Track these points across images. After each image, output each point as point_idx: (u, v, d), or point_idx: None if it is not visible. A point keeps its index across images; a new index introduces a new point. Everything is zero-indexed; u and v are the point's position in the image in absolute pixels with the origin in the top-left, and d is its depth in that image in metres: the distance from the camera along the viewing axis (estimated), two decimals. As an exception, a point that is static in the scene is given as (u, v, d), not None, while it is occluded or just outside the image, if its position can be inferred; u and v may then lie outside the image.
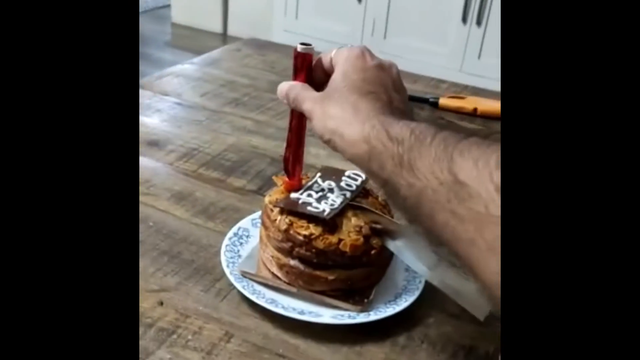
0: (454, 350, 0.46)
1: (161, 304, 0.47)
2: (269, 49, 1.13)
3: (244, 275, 0.49)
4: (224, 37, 2.84)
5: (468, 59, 2.24)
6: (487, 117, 0.91)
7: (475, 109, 0.92)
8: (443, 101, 0.93)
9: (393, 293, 0.49)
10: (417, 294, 0.49)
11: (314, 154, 0.75)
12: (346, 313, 0.47)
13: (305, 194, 0.49)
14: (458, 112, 0.92)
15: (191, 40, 2.75)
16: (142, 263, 0.51)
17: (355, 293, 0.48)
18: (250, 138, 0.77)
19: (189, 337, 0.44)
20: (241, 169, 0.69)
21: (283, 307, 0.46)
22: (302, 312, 0.46)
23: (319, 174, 0.53)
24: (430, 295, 0.49)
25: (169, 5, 2.92)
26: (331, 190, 0.50)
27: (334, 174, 0.53)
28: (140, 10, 2.98)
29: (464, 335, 0.47)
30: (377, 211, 0.49)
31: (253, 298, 0.46)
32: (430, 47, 2.30)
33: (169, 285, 0.49)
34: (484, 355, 0.46)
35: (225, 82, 0.94)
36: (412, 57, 2.34)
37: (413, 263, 0.47)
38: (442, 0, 2.21)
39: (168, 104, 0.85)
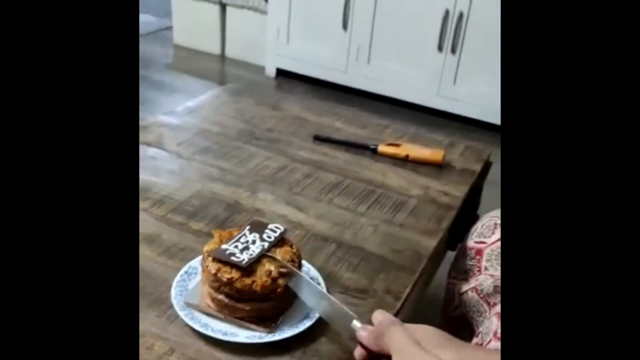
0: (333, 362, 0.63)
1: (126, 326, 0.65)
2: (243, 95, 1.31)
3: (188, 304, 0.67)
4: (222, 59, 3.03)
5: (444, 84, 2.41)
6: (416, 162, 1.08)
7: (407, 155, 1.09)
8: (381, 148, 1.10)
9: (296, 319, 0.67)
10: (312, 320, 0.66)
11: (261, 198, 0.93)
12: (258, 334, 0.64)
13: (233, 245, 0.67)
14: (393, 157, 1.09)
15: (191, 62, 2.94)
16: (115, 294, 0.70)
17: (266, 319, 0.66)
18: (213, 185, 0.95)
19: (143, 351, 0.62)
20: (201, 214, 0.87)
21: (212, 330, 0.64)
22: (225, 334, 0.64)
23: (247, 227, 0.71)
24: (323, 322, 0.67)
25: (171, 27, 3.11)
26: (254, 242, 0.68)
27: (260, 227, 0.71)
28: (144, 33, 3.17)
29: (345, 350, 0.65)
30: (283, 261, 0.66)
31: (190, 323, 0.64)
32: (410, 72, 2.47)
33: (133, 312, 0.67)
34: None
35: (200, 131, 1.12)
36: (394, 80, 2.52)
37: (305, 298, 0.65)
38: (420, 30, 2.38)
39: (149, 153, 1.03)
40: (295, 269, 0.66)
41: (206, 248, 0.68)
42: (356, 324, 0.58)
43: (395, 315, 0.70)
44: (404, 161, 1.09)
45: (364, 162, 1.08)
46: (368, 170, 1.05)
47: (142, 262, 0.75)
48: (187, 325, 0.65)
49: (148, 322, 0.66)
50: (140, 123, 1.13)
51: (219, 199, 0.91)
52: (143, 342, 0.63)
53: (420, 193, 0.99)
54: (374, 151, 1.11)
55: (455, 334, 0.53)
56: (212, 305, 0.66)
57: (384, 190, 0.99)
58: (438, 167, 1.08)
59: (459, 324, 0.92)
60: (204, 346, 0.64)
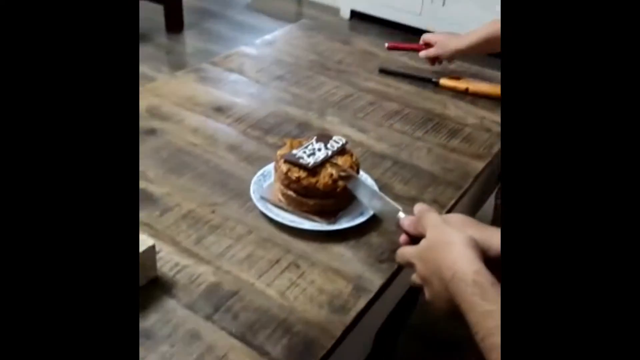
0: (381, 251, 0.75)
1: (213, 212, 0.80)
2: (316, 31, 1.41)
3: (263, 198, 0.81)
4: (299, 0, 3.11)
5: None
6: (475, 95, 1.16)
7: (467, 88, 1.16)
8: (443, 81, 1.18)
9: (352, 216, 0.79)
10: (366, 217, 0.78)
11: (329, 120, 1.04)
12: (319, 224, 0.77)
13: (302, 150, 0.80)
14: (453, 90, 1.17)
15: (269, 3, 3.05)
16: (203, 189, 0.84)
17: (327, 214, 0.78)
18: (286, 107, 1.07)
19: (227, 230, 0.77)
20: (275, 130, 1.00)
21: (282, 218, 0.77)
22: (293, 222, 0.77)
23: (315, 137, 0.83)
24: (375, 220, 0.79)
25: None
26: (319, 150, 0.80)
27: (325, 138, 0.83)
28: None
29: (391, 242, 0.76)
30: (343, 166, 0.78)
31: (266, 212, 0.78)
32: (484, 15, 2.45)
33: (218, 202, 0.82)
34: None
35: (275, 61, 1.24)
36: (468, 23, 2.51)
37: (361, 197, 0.77)
38: (497, -29, 2.35)
39: (232, 78, 1.16)
40: (353, 173, 0.78)
41: (279, 152, 0.81)
42: (401, 215, 0.70)
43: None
44: (464, 94, 1.16)
45: (425, 94, 1.16)
46: (428, 101, 1.14)
47: (226, 165, 0.90)
48: (262, 214, 0.79)
49: (232, 210, 0.81)
50: (223, 53, 1.26)
51: (291, 119, 1.04)
52: (227, 225, 0.78)
53: (475, 122, 1.08)
54: (436, 84, 1.19)
55: None
56: (282, 199, 0.80)
57: (442, 119, 1.08)
58: (496, 101, 1.15)
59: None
60: (275, 231, 0.77)
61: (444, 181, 0.91)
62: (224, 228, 0.77)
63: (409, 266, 0.64)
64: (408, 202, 0.85)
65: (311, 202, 0.78)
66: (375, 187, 0.83)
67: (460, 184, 0.91)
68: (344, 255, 0.74)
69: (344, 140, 0.83)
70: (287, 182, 0.78)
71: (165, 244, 0.74)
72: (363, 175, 0.85)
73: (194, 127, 0.99)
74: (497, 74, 1.28)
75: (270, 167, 0.87)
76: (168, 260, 0.71)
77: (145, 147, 0.93)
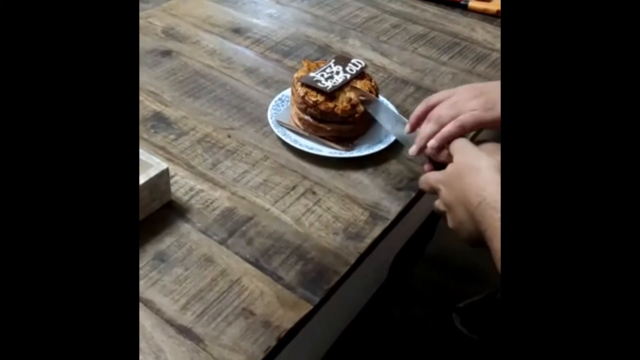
0: (400, 178, 0.74)
1: (229, 136, 0.79)
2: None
3: (279, 122, 0.79)
4: None
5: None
6: (505, 18, 1.09)
7: (498, 11, 1.10)
8: (472, 3, 1.12)
9: (371, 143, 0.77)
10: (385, 145, 0.76)
11: (350, 43, 1.00)
12: (337, 151, 0.75)
13: (319, 73, 0.77)
14: (483, 13, 1.11)
15: None
16: (219, 112, 0.82)
17: (345, 140, 0.76)
18: (306, 29, 1.03)
19: (243, 155, 0.76)
20: (295, 53, 0.96)
21: (300, 144, 0.76)
22: (311, 148, 0.75)
23: (332, 60, 0.80)
24: (393, 147, 0.76)
25: None
26: (337, 73, 0.77)
27: (343, 60, 0.80)
28: None
29: (410, 171, 0.75)
30: (364, 90, 0.75)
31: (283, 137, 0.76)
32: None
33: (234, 126, 0.80)
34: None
35: (297, -20, 1.18)
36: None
37: (382, 121, 0.74)
38: None
39: (251, -2, 1.12)
40: (373, 96, 0.75)
41: (296, 75, 0.78)
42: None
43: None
44: (494, 17, 1.10)
45: (452, 17, 1.10)
46: (455, 24, 1.08)
47: (243, 89, 0.87)
48: (279, 139, 0.77)
49: (248, 135, 0.79)
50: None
51: (311, 42, 1.00)
52: (243, 150, 0.76)
53: (504, 48, 1.02)
54: (465, 7, 1.12)
55: None
56: (299, 124, 0.77)
57: (469, 44, 1.03)
58: (527, 25, 1.08)
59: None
60: (292, 157, 0.76)
61: (468, 109, 0.87)
62: (239, 153, 0.76)
63: (432, 192, 0.62)
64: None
65: (329, 127, 0.75)
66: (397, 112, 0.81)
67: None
68: (361, 183, 0.73)
69: (363, 63, 0.80)
70: (304, 106, 0.75)
71: (180, 168, 0.73)
72: (383, 101, 0.82)
73: (211, 48, 0.96)
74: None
75: (289, 91, 0.84)
76: (183, 184, 0.71)
77: (161, 69, 0.91)
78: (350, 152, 0.75)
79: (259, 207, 0.69)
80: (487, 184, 0.53)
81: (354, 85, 0.76)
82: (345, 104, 0.74)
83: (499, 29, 1.07)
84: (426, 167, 0.66)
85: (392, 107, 0.82)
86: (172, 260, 0.61)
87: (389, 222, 0.68)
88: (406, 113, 0.85)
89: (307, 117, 0.76)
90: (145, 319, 0.56)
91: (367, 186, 0.73)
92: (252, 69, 0.92)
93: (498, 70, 0.96)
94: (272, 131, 0.78)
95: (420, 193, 0.70)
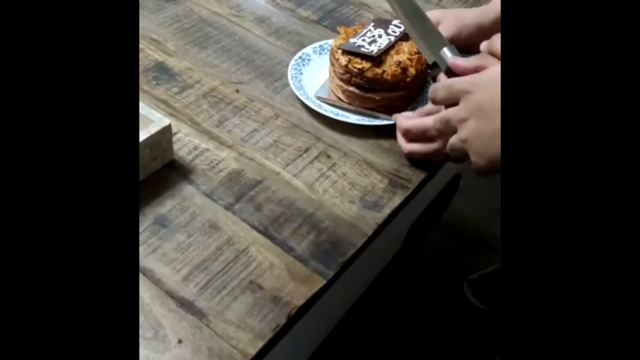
0: (422, 143, 0.68)
1: (237, 91, 0.72)
2: None
3: (319, 98, 0.71)
4: None
5: None
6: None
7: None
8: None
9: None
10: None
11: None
12: (366, 118, 0.68)
13: (360, 39, 0.69)
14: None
15: None
16: (227, 64, 0.76)
17: (395, 109, 0.68)
18: (322, -24, 0.95)
19: (252, 113, 0.70)
20: (309, 2, 0.89)
21: (325, 110, 0.68)
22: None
23: (372, 24, 0.72)
24: (417, 107, 0.70)
25: None
26: (380, 36, 0.70)
27: (384, 23, 0.72)
28: None
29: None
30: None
31: (303, 98, 0.69)
32: None
33: (243, 80, 0.74)
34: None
35: None
36: None
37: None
38: None
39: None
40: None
41: (334, 43, 0.70)
42: (447, 52, 0.59)
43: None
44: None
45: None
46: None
47: (253, 39, 0.80)
48: (291, 96, 0.71)
49: (257, 90, 0.73)
50: None
51: (328, -10, 0.92)
52: (252, 106, 0.70)
53: None
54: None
55: None
56: (343, 97, 0.70)
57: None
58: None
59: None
60: (305, 115, 0.70)
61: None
62: (248, 110, 0.70)
63: (450, 102, 0.55)
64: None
65: (378, 96, 0.68)
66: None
67: None
68: (380, 146, 0.67)
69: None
70: (349, 76, 0.68)
71: (184, 125, 0.67)
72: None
73: (219, -6, 0.89)
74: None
75: (310, 49, 0.77)
76: (186, 142, 0.65)
77: (164, 15, 0.83)
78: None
79: (268, 170, 0.63)
80: None
81: (400, 48, 0.69)
82: (394, 67, 0.67)
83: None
84: (440, 76, 0.59)
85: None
86: (173, 225, 0.56)
87: (409, 191, 0.63)
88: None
89: (352, 89, 0.68)
90: (144, 290, 0.51)
91: (387, 150, 0.67)
92: (262, 18, 0.85)
93: None
94: (284, 87, 0.72)
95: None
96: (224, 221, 0.57)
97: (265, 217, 0.58)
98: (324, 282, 0.53)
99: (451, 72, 0.58)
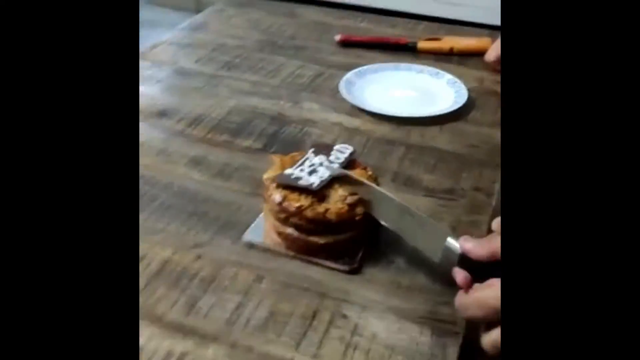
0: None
1: (198, 257, 0.56)
2: (250, 6, 1.17)
3: (250, 244, 0.56)
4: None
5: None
6: (462, 54, 0.97)
7: (451, 49, 0.98)
8: (421, 44, 0.99)
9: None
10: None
11: (307, 108, 0.82)
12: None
13: (298, 169, 0.56)
14: (435, 53, 0.98)
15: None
16: (174, 226, 0.59)
17: (344, 253, 0.55)
18: (248, 99, 0.83)
19: (226, 282, 0.53)
20: (246, 130, 0.76)
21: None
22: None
23: (311, 150, 0.60)
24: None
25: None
26: (321, 164, 0.57)
27: (324, 148, 0.60)
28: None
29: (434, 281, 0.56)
30: (359, 178, 0.55)
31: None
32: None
33: (201, 241, 0.57)
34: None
35: (216, 46, 0.99)
36: None
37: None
38: None
39: (166, 72, 0.90)
40: (368, 182, 0.55)
41: (266, 176, 0.57)
42: (452, 241, 0.49)
43: (492, 215, 0.62)
44: (449, 55, 0.98)
45: (405, 61, 0.96)
46: (411, 69, 0.94)
47: (195, 187, 0.65)
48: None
49: (224, 250, 0.56)
50: (147, 44, 0.99)
51: (260, 113, 0.80)
52: (224, 273, 0.54)
53: (475, 86, 0.89)
54: (413, 49, 0.99)
55: None
56: (279, 241, 0.56)
57: (435, 87, 0.88)
58: (486, 57, 0.97)
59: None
60: (295, 267, 0.54)
61: (474, 161, 0.72)
62: (220, 280, 0.53)
63: (486, 320, 0.44)
64: (447, 197, 0.65)
65: (321, 240, 0.54)
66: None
67: (495, 161, 0.72)
68: (400, 286, 0.53)
69: (350, 149, 0.60)
70: (284, 215, 0.54)
71: (144, 326, 0.48)
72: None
73: (140, 141, 0.73)
74: (474, 30, 1.10)
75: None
76: (154, 350, 0.46)
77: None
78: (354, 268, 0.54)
79: (277, 358, 0.46)
80: None
81: (347, 175, 0.56)
82: (339, 204, 0.54)
83: (460, 67, 0.95)
84: (459, 277, 0.47)
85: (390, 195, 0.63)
86: None
87: (460, 336, 0.49)
88: (409, 179, 0.68)
89: (289, 231, 0.54)
90: None
91: (409, 290, 0.53)
92: (198, 158, 0.70)
93: (483, 113, 0.82)
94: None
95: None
96: None
97: None
98: None
99: (464, 261, 0.48)
